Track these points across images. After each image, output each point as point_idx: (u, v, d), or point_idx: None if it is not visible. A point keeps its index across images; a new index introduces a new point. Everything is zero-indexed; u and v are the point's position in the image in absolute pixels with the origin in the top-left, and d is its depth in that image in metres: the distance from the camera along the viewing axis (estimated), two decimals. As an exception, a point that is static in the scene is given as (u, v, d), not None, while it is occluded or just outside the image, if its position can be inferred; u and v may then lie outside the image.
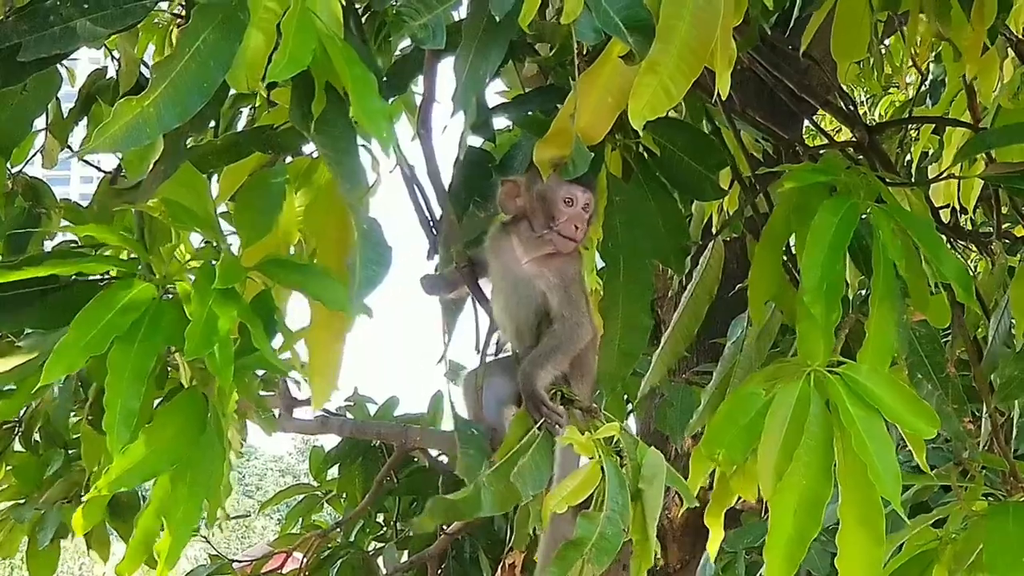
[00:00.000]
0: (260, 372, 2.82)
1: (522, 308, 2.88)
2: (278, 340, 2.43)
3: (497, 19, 2.48)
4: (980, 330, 4.03)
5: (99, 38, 2.36)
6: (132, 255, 2.47)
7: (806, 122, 5.94)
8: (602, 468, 2.53)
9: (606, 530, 2.47)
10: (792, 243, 3.13)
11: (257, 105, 4.79)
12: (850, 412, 2.64)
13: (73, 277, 2.34)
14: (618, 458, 2.57)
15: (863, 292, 3.20)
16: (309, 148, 3.14)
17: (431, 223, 3.01)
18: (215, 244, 2.45)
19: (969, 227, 5.70)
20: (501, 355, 3.05)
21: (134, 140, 2.11)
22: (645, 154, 3.16)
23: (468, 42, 2.63)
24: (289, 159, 3.14)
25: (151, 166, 2.47)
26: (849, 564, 2.66)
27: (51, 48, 2.31)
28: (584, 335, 2.86)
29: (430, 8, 2.45)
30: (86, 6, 2.30)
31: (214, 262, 2.32)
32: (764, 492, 2.68)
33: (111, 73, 5.73)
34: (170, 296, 2.33)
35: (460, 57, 2.63)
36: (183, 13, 3.00)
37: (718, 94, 2.75)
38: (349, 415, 7.41)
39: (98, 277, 2.40)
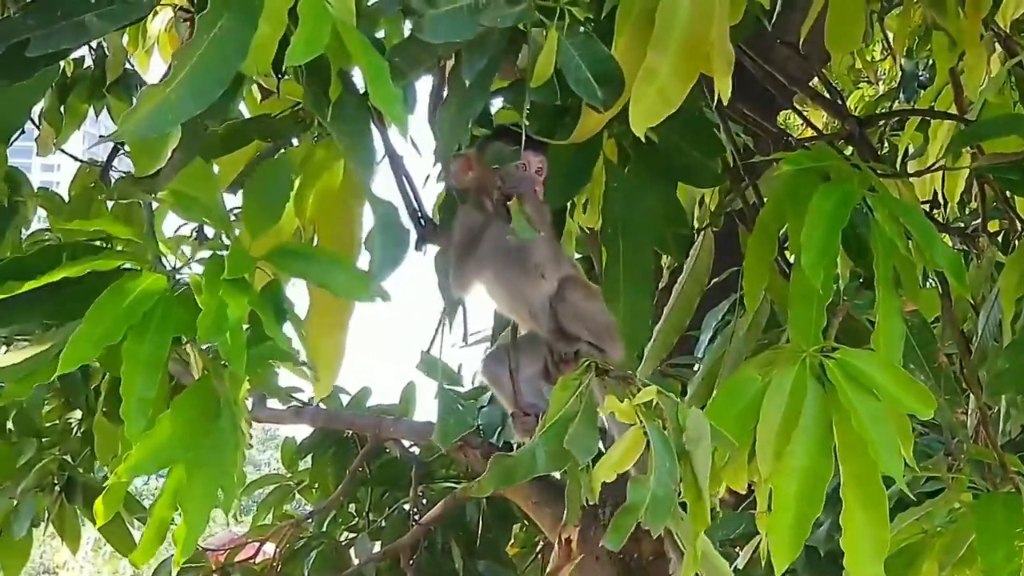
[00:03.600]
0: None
1: (523, 281, 2.89)
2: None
3: (467, 83, 2.55)
4: (967, 324, 4.06)
5: (106, 32, 2.36)
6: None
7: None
8: (645, 433, 2.53)
9: (658, 492, 2.46)
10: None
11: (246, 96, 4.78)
12: (848, 393, 2.66)
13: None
14: (660, 422, 2.56)
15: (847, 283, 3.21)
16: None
17: (419, 214, 3.00)
18: (222, 234, 2.44)
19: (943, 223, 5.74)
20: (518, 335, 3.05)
21: (157, 126, 2.10)
22: (642, 140, 3.18)
23: (450, 98, 2.67)
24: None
25: (168, 155, 2.46)
26: (855, 544, 2.69)
27: (59, 43, 2.30)
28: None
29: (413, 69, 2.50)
30: (93, 1, 2.29)
31: (222, 252, 2.32)
32: (762, 473, 2.71)
33: (87, 63, 5.73)
34: (180, 288, 2.33)
35: (442, 115, 2.68)
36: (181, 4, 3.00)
37: (718, 96, 2.78)
38: (322, 405, 7.39)
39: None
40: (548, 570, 2.90)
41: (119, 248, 2.41)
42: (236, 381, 2.33)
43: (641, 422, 2.54)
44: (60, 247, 2.33)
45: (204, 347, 2.41)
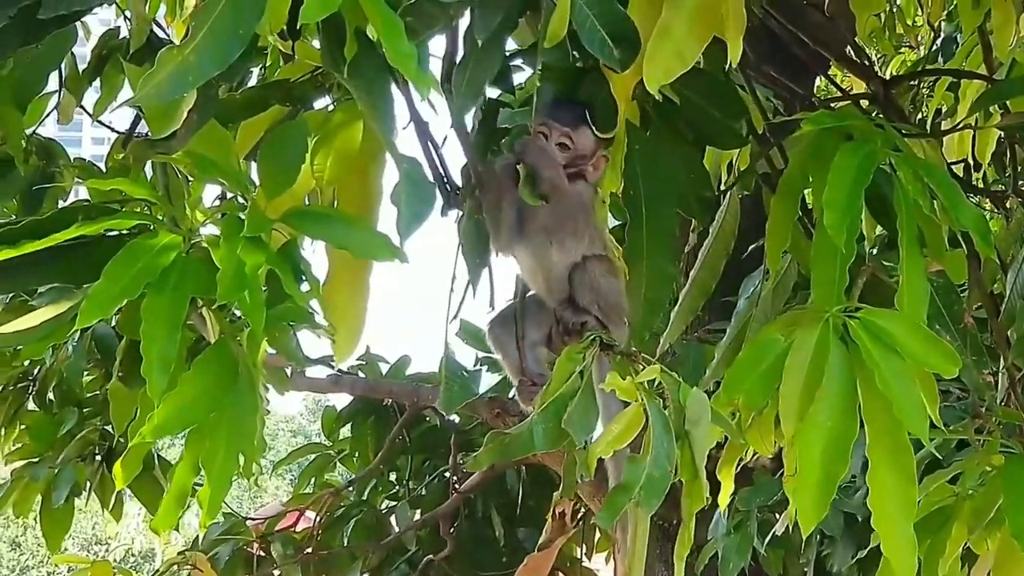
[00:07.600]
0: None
1: (540, 247, 2.91)
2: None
3: (479, 43, 2.54)
4: (996, 285, 4.03)
5: (116, -6, 2.37)
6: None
7: (817, 80, 5.92)
8: (645, 411, 2.54)
9: (653, 472, 2.47)
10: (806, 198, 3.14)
11: (268, 64, 4.79)
12: (871, 352, 2.64)
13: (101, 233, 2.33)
14: (661, 401, 2.57)
15: (875, 248, 3.20)
16: (321, 103, 3.19)
17: (444, 179, 3.00)
18: (239, 197, 2.44)
19: (981, 184, 5.71)
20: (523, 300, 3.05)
21: (177, 89, 2.11)
22: (664, 102, 3.17)
23: (465, 59, 2.66)
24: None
25: (183, 117, 2.47)
26: (882, 502, 2.65)
27: (71, 5, 2.31)
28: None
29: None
30: (101, -38, 2.31)
31: (240, 214, 2.32)
32: (786, 433, 2.67)
33: (124, 33, 5.73)
34: (197, 249, 2.33)
35: (457, 76, 2.67)
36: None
37: (743, 58, 2.77)
38: (361, 374, 7.42)
39: (120, 233, 2.39)
40: (540, 542, 2.90)
41: (136, 210, 2.41)
42: (254, 342, 2.33)
43: (642, 400, 2.55)
44: (76, 209, 2.33)
45: (220, 308, 2.41)
